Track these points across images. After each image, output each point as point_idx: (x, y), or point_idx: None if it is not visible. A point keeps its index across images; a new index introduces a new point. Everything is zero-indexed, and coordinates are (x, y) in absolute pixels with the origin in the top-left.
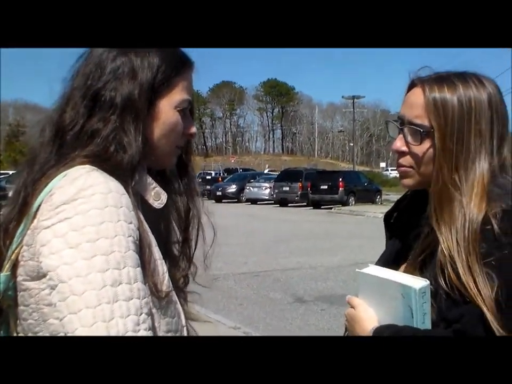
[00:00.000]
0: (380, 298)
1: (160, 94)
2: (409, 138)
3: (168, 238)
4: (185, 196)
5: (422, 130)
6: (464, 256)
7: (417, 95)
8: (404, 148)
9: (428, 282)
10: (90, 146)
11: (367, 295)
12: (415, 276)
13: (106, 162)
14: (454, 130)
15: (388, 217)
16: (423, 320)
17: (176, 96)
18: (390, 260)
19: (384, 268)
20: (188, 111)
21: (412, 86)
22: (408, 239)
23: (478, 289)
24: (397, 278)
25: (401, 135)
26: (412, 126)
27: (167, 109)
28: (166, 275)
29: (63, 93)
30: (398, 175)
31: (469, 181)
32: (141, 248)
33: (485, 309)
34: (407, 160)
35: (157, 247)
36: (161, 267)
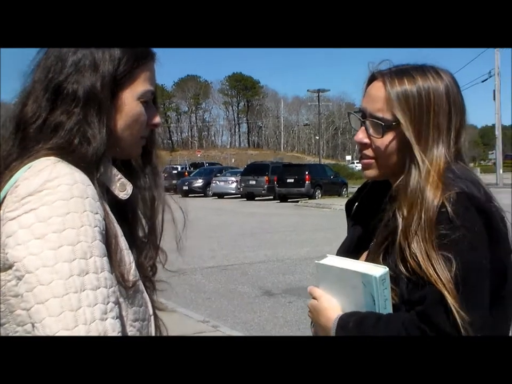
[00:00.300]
0: (341, 287)
1: (122, 86)
2: (371, 131)
3: (135, 228)
4: (149, 184)
5: (383, 123)
6: (421, 243)
7: (378, 88)
8: (366, 140)
9: (387, 269)
10: (54, 139)
11: (328, 285)
12: (373, 264)
13: (71, 154)
14: (414, 123)
15: (349, 205)
16: (384, 306)
17: (139, 87)
18: (351, 247)
19: (342, 257)
20: (151, 101)
21: (372, 79)
22: (369, 226)
23: (437, 274)
24: (356, 267)
25: (363, 127)
26: (374, 119)
27: (130, 101)
28: (133, 265)
29: (24, 86)
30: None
31: (427, 166)
32: (107, 239)
33: (445, 293)
34: (369, 151)
35: (123, 237)
36: (128, 257)
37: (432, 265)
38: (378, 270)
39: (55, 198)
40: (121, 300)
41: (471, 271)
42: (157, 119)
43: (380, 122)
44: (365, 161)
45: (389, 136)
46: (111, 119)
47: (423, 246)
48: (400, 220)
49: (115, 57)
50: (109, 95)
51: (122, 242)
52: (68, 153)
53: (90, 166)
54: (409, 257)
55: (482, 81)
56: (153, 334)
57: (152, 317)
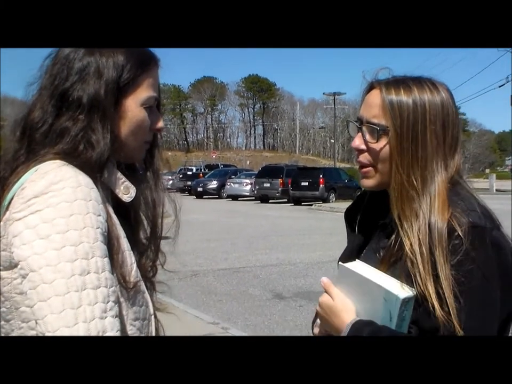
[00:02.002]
0: (360, 294)
1: (126, 92)
2: (367, 137)
3: (137, 230)
4: (152, 187)
5: (378, 128)
6: (431, 273)
7: (375, 96)
8: (363, 146)
9: (414, 293)
10: (60, 144)
11: (346, 288)
12: (401, 283)
13: (76, 159)
14: (410, 130)
15: (348, 213)
16: (400, 326)
17: (142, 93)
18: (352, 257)
19: (369, 266)
20: (154, 107)
21: (370, 87)
22: (370, 236)
23: (449, 306)
24: (382, 282)
25: (360, 134)
26: (370, 125)
27: (134, 107)
28: (134, 266)
29: (32, 93)
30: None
31: (426, 181)
32: (110, 240)
33: (456, 325)
34: (365, 157)
35: (126, 239)
36: (130, 258)
37: (442, 295)
38: (404, 292)
39: (60, 200)
40: (121, 299)
41: (482, 303)
42: (160, 124)
43: (375, 127)
44: (364, 169)
45: (384, 141)
46: (115, 125)
47: (432, 276)
48: (406, 245)
49: (119, 64)
50: (112, 101)
51: (125, 243)
52: (73, 158)
53: (94, 169)
54: (419, 283)
55: (500, 87)
56: (153, 333)
57: (152, 317)
